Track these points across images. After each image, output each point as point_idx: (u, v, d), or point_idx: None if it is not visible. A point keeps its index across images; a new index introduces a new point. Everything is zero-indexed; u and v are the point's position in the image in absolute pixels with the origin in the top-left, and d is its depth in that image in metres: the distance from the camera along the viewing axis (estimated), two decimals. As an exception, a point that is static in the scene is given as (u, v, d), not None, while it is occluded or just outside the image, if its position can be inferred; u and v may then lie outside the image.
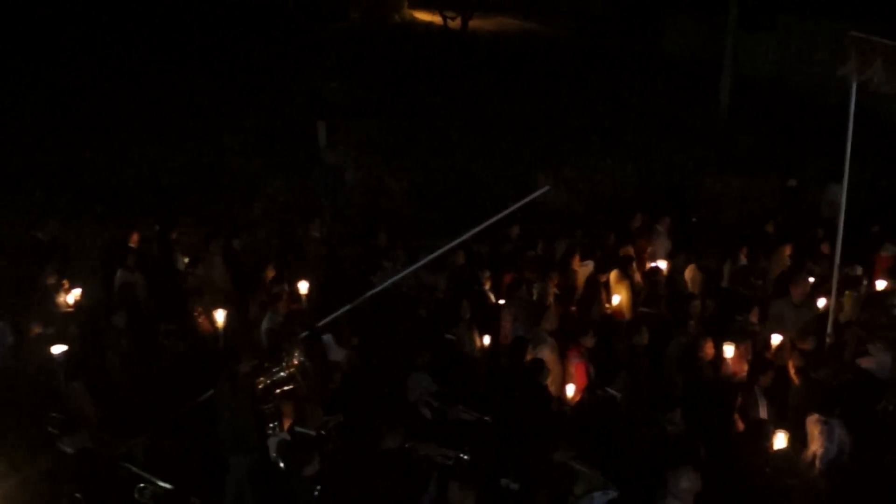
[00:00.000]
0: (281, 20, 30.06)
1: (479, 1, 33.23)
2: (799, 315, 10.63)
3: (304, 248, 13.49)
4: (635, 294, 12.11)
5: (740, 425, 9.04)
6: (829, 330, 10.37)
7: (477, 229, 11.87)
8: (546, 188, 13.43)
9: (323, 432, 8.56)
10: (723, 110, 22.04)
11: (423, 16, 35.54)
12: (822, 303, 11.36)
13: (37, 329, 10.44)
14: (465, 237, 11.94)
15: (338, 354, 10.12)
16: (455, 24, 32.29)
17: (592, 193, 18.87)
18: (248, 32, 28.12)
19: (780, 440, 8.50)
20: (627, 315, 11.81)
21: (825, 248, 13.02)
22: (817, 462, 8.65)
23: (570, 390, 9.58)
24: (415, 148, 21.03)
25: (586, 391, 9.62)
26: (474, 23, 32.95)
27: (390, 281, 11.58)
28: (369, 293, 11.33)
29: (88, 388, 9.41)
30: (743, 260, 13.13)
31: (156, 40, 25.93)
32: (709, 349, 9.89)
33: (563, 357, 10.07)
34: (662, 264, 12.98)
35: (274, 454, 8.51)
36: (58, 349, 9.68)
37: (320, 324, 10.50)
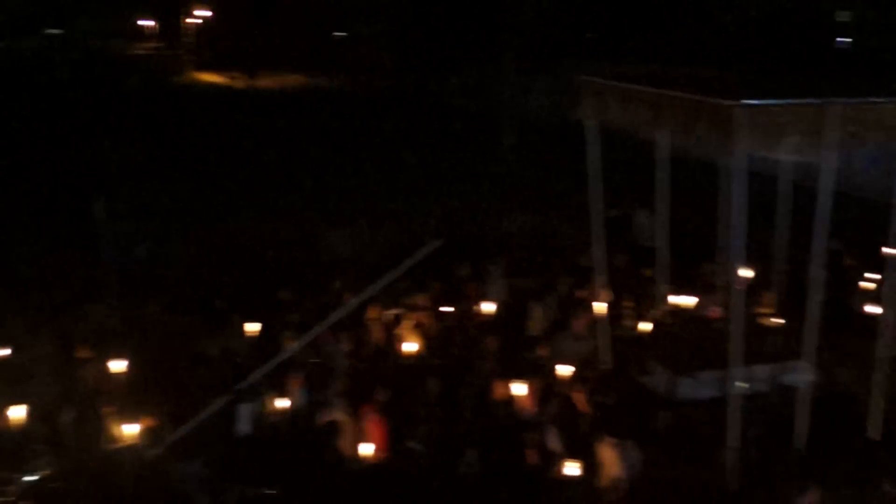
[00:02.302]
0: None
1: (264, 60, 33.24)
2: (580, 346, 11.03)
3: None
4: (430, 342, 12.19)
5: (534, 459, 9.23)
6: (607, 356, 10.82)
7: (376, 286, 11.69)
8: (438, 242, 13.16)
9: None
10: (505, 152, 22.86)
11: (207, 77, 35.12)
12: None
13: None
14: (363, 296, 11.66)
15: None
16: (240, 83, 32.11)
17: (386, 243, 18.93)
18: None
19: (573, 468, 8.75)
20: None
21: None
22: (619, 485, 8.94)
23: (368, 448, 9.48)
24: (203, 211, 20.55)
25: (386, 447, 9.59)
26: (263, 82, 32.84)
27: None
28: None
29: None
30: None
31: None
32: (501, 389, 10.08)
33: (357, 415, 9.96)
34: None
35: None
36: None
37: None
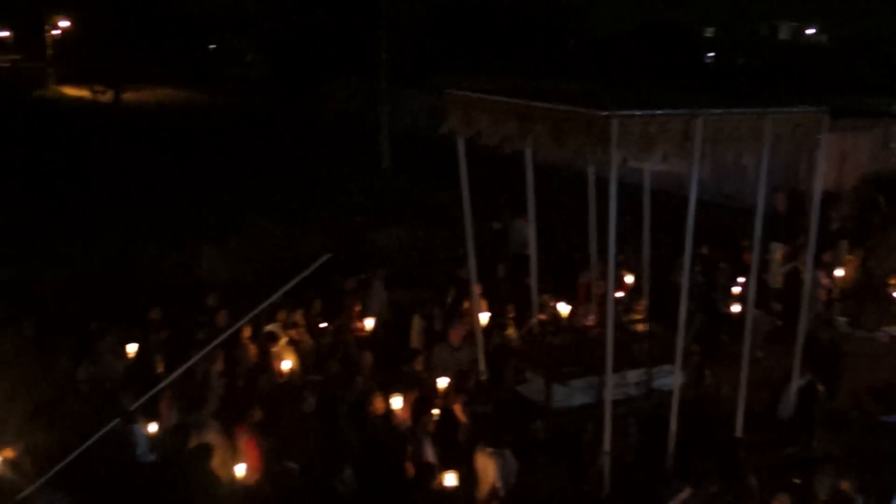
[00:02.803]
0: None
1: (131, 73, 32.35)
2: (457, 356, 11.07)
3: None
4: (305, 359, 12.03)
5: (411, 472, 9.19)
6: (483, 366, 10.89)
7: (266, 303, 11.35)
8: (327, 255, 12.81)
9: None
10: (383, 166, 22.88)
11: (71, 91, 33.99)
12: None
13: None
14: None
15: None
16: (106, 97, 31.18)
17: (262, 262, 18.62)
18: None
19: (451, 479, 8.75)
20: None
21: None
22: (498, 493, 8.96)
23: (241, 469, 9.25)
24: (68, 231, 19.81)
25: (262, 467, 9.39)
26: (129, 96, 31.97)
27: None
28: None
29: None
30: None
31: None
32: (378, 403, 10.01)
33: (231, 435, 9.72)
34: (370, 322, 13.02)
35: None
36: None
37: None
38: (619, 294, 13.25)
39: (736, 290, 14.58)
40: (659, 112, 8.86)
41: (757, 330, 14.30)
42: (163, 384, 9.89)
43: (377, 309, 13.69)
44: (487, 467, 8.98)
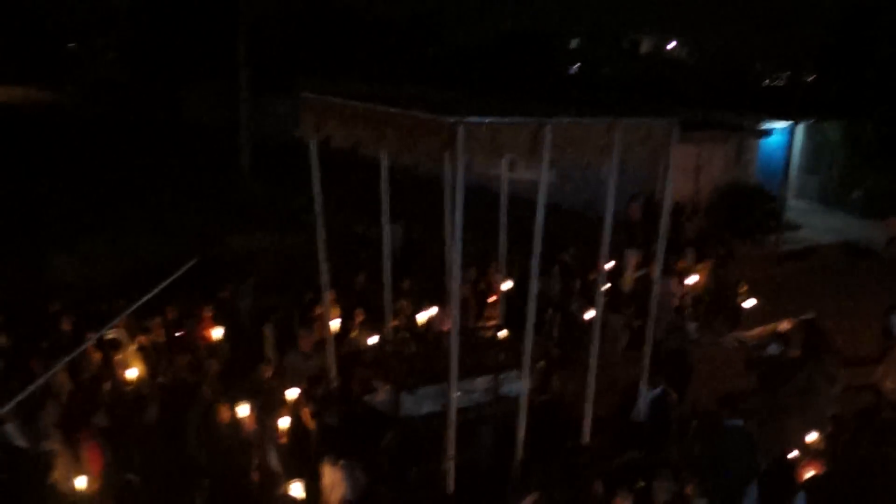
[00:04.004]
0: None
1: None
2: (309, 364, 10.92)
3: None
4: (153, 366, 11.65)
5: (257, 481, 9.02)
6: (333, 373, 10.76)
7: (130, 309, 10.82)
8: (193, 261, 12.27)
9: None
10: (244, 171, 22.48)
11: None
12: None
13: None
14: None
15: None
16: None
17: (116, 267, 17.98)
18: None
19: (297, 489, 8.60)
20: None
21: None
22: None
23: (82, 481, 8.86)
24: None
25: (102, 476, 9.03)
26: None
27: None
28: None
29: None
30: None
31: None
32: (224, 412, 9.77)
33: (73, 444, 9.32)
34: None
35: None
36: None
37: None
38: (493, 299, 13.26)
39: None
40: (507, 120, 8.95)
41: (615, 336, 14.73)
42: (30, 388, 9.47)
43: (233, 316, 13.40)
44: (335, 480, 8.87)
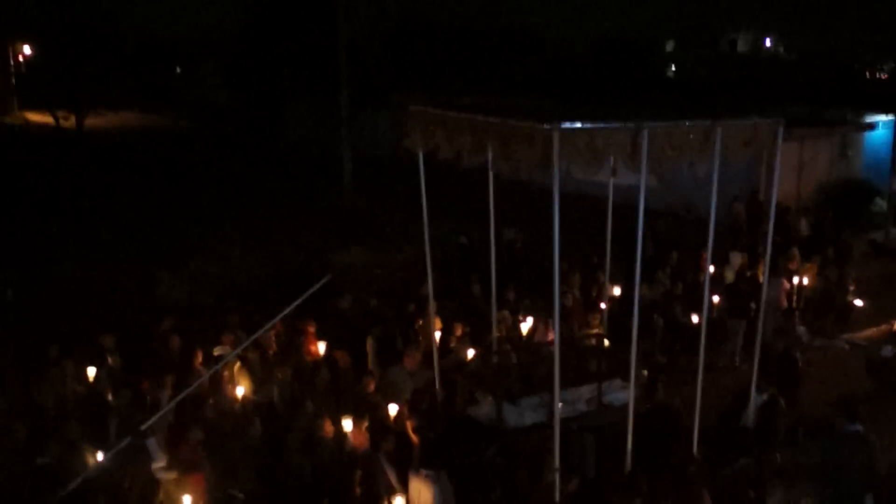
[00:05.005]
0: None
1: (95, 99, 32.14)
2: (412, 380, 10.92)
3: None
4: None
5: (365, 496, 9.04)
6: (437, 387, 10.74)
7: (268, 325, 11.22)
8: (328, 276, 12.60)
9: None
10: (346, 187, 22.78)
11: (35, 117, 33.72)
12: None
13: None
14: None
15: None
16: (69, 123, 30.96)
17: (221, 284, 18.42)
18: None
19: (400, 502, 8.62)
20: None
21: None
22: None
23: (188, 501, 9.01)
24: (30, 254, 19.54)
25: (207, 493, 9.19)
26: (92, 121, 31.72)
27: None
28: None
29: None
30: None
31: None
32: (328, 427, 9.84)
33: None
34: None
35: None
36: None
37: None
38: (603, 306, 13.05)
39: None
40: (603, 125, 8.78)
41: (735, 337, 14.40)
42: (169, 405, 9.81)
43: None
44: (422, 490, 8.81)
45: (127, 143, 31.27)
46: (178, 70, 50.18)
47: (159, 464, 9.38)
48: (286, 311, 11.19)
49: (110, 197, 24.30)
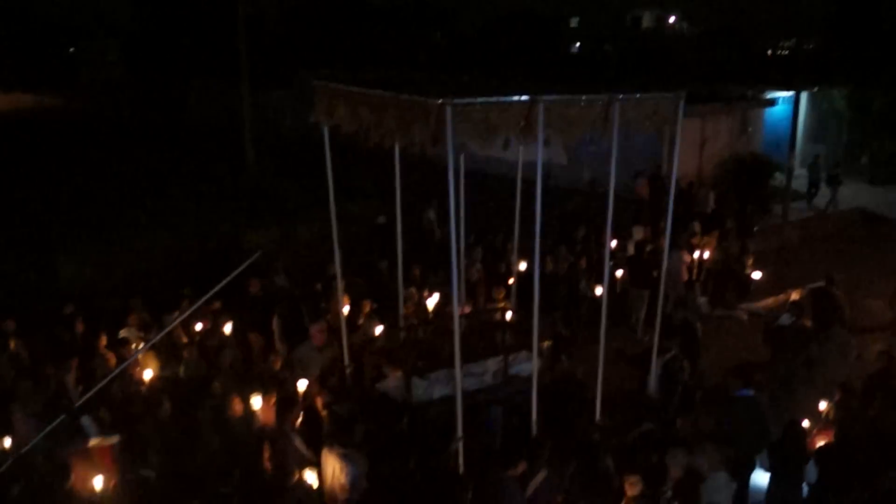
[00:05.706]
0: None
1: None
2: (320, 355, 10.93)
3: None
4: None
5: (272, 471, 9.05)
6: (346, 362, 10.79)
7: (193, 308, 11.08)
8: (258, 253, 12.27)
9: None
10: (250, 166, 22.54)
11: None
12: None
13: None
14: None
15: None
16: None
17: (124, 268, 18.03)
18: None
19: (312, 476, 8.64)
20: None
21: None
22: (346, 494, 8.78)
23: (99, 481, 8.91)
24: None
25: (119, 475, 9.08)
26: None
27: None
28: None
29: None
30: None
31: None
32: (237, 405, 9.81)
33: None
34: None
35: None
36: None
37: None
38: (511, 280, 13.21)
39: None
40: (496, 99, 8.80)
41: (639, 308, 14.81)
42: (102, 383, 9.63)
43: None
44: (334, 465, 8.85)
45: (20, 124, 30.19)
46: (72, 50, 48.65)
47: (95, 440, 9.22)
48: (216, 289, 11.00)
49: (4, 181, 23.56)
